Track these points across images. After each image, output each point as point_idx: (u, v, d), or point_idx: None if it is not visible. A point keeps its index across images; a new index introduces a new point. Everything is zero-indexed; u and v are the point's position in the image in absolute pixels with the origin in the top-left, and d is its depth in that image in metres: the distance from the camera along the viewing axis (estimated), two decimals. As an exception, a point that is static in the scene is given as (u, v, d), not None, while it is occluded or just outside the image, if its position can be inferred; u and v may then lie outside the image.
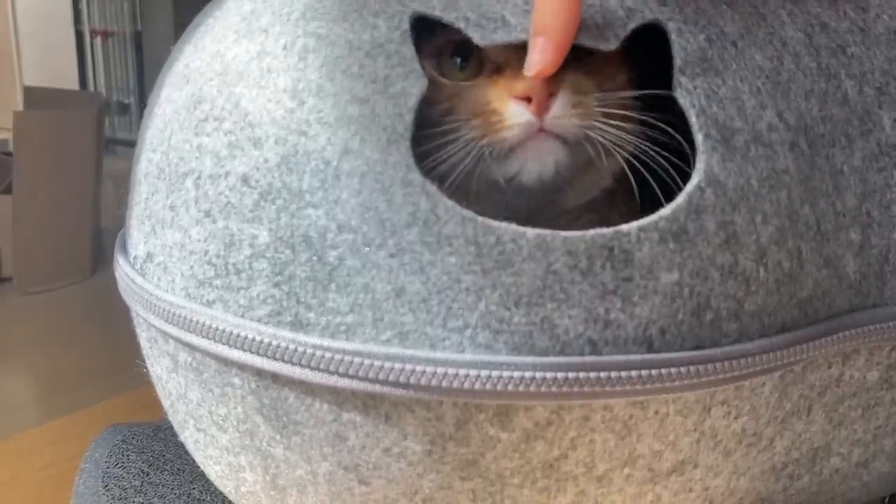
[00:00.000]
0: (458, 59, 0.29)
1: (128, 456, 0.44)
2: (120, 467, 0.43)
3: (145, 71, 3.76)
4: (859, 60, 0.32)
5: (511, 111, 0.28)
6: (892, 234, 0.31)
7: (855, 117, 0.31)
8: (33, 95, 2.28)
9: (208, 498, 0.41)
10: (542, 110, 0.28)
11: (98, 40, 3.80)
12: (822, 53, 0.31)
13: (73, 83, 3.83)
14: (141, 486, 0.42)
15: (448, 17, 0.27)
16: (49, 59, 3.98)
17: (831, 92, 0.31)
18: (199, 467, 0.43)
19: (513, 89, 0.28)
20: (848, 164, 0.30)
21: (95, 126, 1.91)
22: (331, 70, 0.27)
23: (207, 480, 0.38)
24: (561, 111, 0.28)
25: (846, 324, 0.30)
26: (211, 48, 0.31)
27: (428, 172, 0.27)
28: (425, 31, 0.28)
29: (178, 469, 0.44)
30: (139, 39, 3.71)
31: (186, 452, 0.45)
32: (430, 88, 0.27)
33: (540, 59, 0.26)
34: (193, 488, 0.42)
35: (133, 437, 0.46)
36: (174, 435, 0.47)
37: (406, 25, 0.27)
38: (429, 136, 0.28)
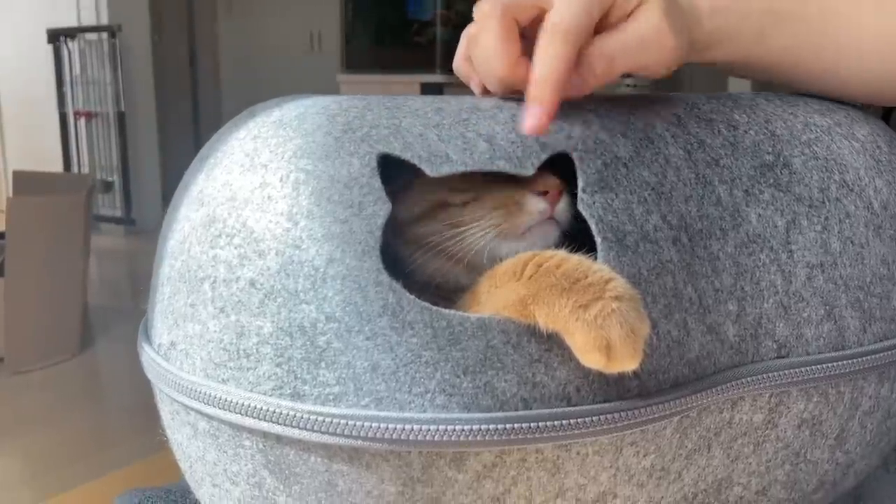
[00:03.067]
0: None
1: (145, 516, 0.50)
2: (138, 527, 0.50)
3: (128, 150, 3.87)
4: (730, 169, 0.41)
5: (531, 202, 0.38)
6: (763, 304, 0.39)
7: (727, 214, 0.39)
8: (22, 180, 2.36)
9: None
10: (554, 203, 0.38)
11: (82, 121, 3.91)
12: (699, 166, 0.40)
13: (57, 162, 3.92)
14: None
15: (405, 155, 0.35)
16: (33, 141, 4.07)
17: (707, 196, 0.39)
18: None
19: (533, 187, 0.38)
20: (723, 251, 0.39)
21: (84, 209, 1.99)
22: (318, 198, 0.35)
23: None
24: (563, 206, 0.38)
25: (729, 377, 0.38)
26: (221, 178, 0.39)
27: (442, 251, 0.37)
28: None
29: (189, 526, 0.50)
30: (122, 120, 3.84)
31: (196, 512, 0.52)
32: (459, 180, 0.37)
33: (534, 123, 0.36)
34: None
35: (148, 500, 0.52)
36: (183, 496, 0.54)
37: (374, 163, 0.35)
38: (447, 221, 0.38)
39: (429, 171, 0.35)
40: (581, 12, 0.37)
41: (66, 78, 3.88)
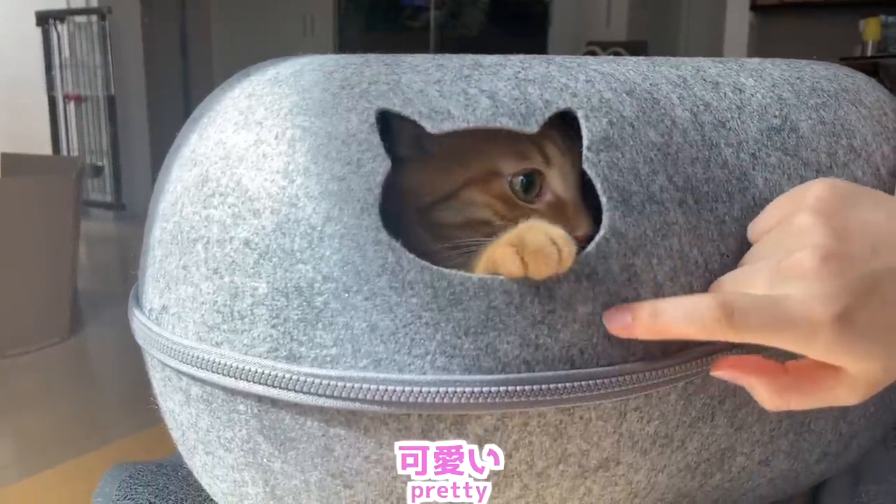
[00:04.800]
0: (524, 180, 0.37)
1: (135, 489, 0.49)
2: (129, 499, 0.49)
3: (118, 134, 3.83)
4: (736, 132, 0.40)
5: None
6: (769, 270, 0.39)
7: (733, 178, 0.39)
8: (10, 162, 2.33)
9: (210, 521, 0.47)
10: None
11: (71, 105, 3.87)
12: (705, 128, 0.39)
13: (46, 146, 3.88)
14: (149, 514, 0.47)
15: (405, 111, 0.34)
16: (22, 124, 4.03)
17: (713, 158, 0.38)
18: (199, 497, 0.49)
19: (574, 229, 0.36)
20: (729, 215, 0.38)
21: (73, 191, 1.96)
22: (314, 155, 0.34)
23: None
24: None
25: (734, 343, 0.37)
26: (214, 137, 0.38)
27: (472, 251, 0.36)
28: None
29: (181, 499, 0.49)
30: (112, 103, 3.79)
31: (188, 484, 0.51)
32: (505, 206, 0.37)
33: (618, 323, 0.33)
34: (196, 514, 0.48)
35: (139, 473, 0.51)
36: (175, 470, 0.53)
37: (373, 119, 0.34)
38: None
39: (429, 127, 0.34)
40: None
41: (56, 61, 3.84)
